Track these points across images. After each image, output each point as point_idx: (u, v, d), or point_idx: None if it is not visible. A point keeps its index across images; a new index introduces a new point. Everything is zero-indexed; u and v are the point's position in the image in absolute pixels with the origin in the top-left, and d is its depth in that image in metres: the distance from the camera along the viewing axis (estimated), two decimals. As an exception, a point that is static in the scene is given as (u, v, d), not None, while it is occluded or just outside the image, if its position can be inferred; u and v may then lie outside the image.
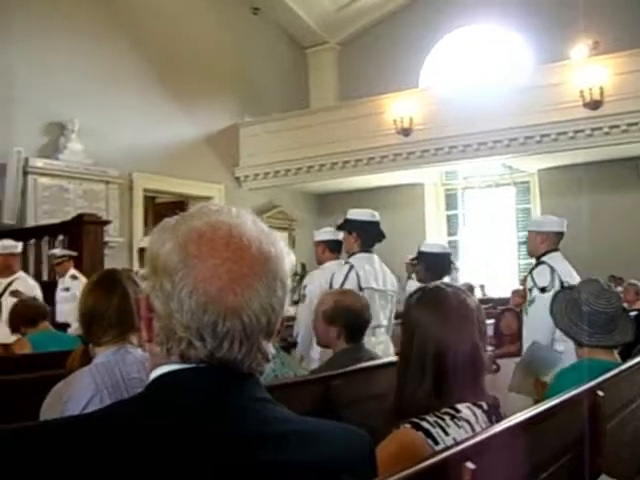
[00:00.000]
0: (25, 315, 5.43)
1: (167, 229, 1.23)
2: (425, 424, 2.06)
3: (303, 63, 18.02)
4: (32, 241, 10.26)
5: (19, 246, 7.82)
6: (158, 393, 1.19)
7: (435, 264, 6.36)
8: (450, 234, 16.35)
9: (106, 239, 10.38)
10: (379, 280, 5.64)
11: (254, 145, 15.46)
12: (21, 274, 7.73)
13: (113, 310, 2.65)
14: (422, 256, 6.56)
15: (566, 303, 3.56)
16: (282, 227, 15.25)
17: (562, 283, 5.59)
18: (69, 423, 1.23)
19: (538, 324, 5.44)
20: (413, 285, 5.93)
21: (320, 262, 6.43)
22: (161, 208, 15.35)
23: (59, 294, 8.41)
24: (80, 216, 10.02)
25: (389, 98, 14.15)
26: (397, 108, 13.82)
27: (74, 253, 8.92)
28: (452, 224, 16.47)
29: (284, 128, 15.14)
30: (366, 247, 5.71)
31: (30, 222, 11.44)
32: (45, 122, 12.27)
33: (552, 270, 5.66)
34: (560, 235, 5.96)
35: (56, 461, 1.10)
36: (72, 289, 8.44)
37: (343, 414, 3.14)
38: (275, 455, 1.14)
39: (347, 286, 5.29)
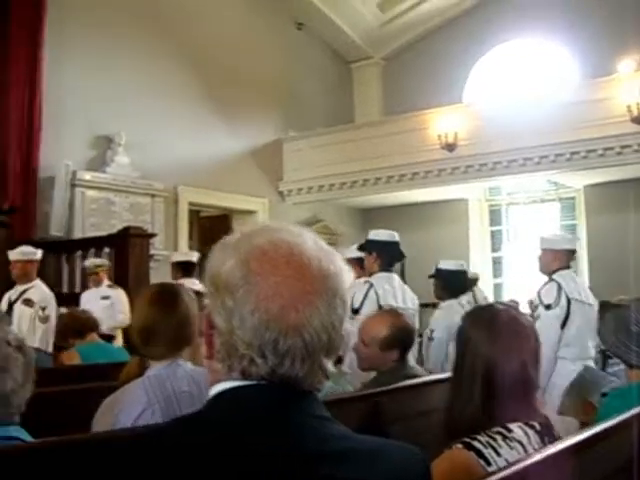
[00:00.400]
0: (73, 327, 5.50)
1: (228, 247, 1.25)
2: (477, 444, 2.05)
3: (347, 78, 18.01)
4: (79, 253, 10.36)
5: (38, 253, 7.66)
6: (219, 409, 1.21)
7: (452, 281, 6.59)
8: (494, 250, 16.19)
9: (151, 252, 10.43)
10: (398, 298, 5.77)
11: (298, 159, 15.48)
12: (37, 282, 7.55)
13: (172, 325, 2.69)
14: (439, 273, 6.76)
15: (614, 322, 3.50)
16: (326, 242, 15.19)
17: (569, 301, 5.72)
18: (133, 438, 1.24)
19: (543, 341, 5.48)
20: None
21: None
22: (205, 222, 15.49)
23: (97, 303, 8.30)
24: (126, 229, 10.10)
25: (433, 113, 14.09)
26: (441, 123, 13.76)
27: (107, 262, 9.04)
28: (496, 240, 16.28)
29: (328, 143, 15.15)
30: (386, 267, 5.90)
31: (77, 234, 11.57)
32: (93, 136, 12.43)
33: (559, 288, 5.75)
34: (572, 253, 6.08)
35: (125, 475, 1.12)
36: (111, 297, 8.47)
37: (390, 431, 3.14)
38: (333, 472, 1.15)
39: (367, 305, 5.48)
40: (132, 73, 12.78)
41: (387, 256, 5.92)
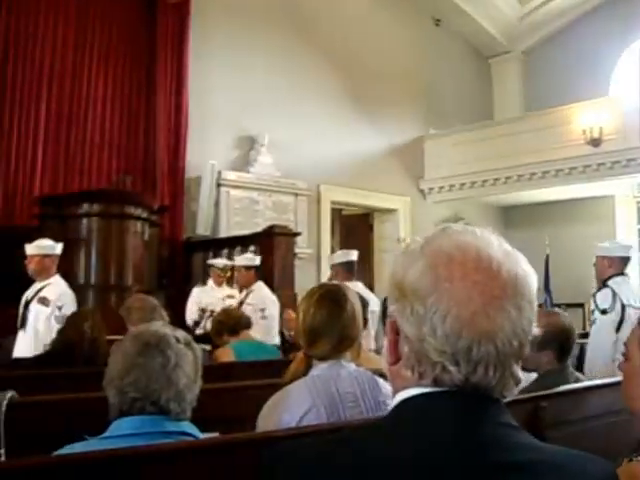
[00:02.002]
0: (228, 324, 5.62)
1: (412, 253, 1.23)
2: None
3: (486, 73, 17.74)
4: (225, 251, 10.58)
5: (57, 247, 6.77)
6: (405, 417, 1.20)
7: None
8: (642, 248, 15.62)
9: (295, 250, 10.58)
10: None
11: (439, 157, 15.37)
12: (55, 279, 6.64)
13: (339, 326, 2.71)
14: None
15: None
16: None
17: (623, 306, 5.99)
18: (319, 445, 1.26)
19: (599, 344, 5.92)
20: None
21: None
22: (347, 220, 15.56)
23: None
24: (271, 227, 10.28)
25: (577, 107, 13.67)
26: (586, 118, 13.34)
27: (229, 263, 9.08)
28: (644, 238, 15.69)
29: (469, 140, 14.97)
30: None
31: (222, 233, 11.88)
32: (237, 136, 12.72)
33: (614, 294, 6.01)
34: (626, 260, 6.36)
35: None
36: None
37: (549, 436, 3.08)
38: None
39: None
40: (273, 73, 13.01)
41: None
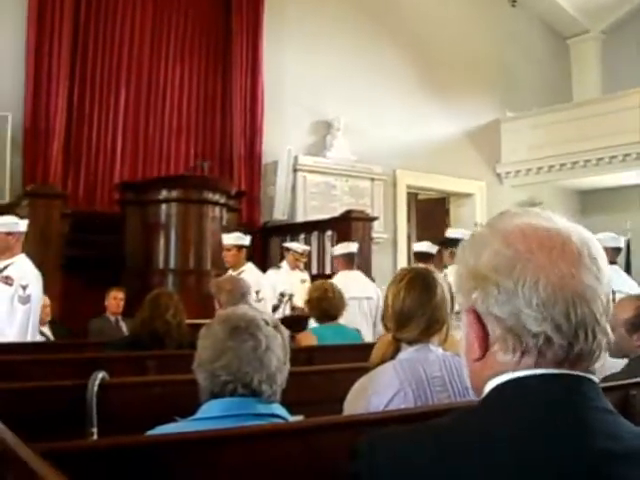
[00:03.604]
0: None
1: (480, 239, 1.25)
2: None
3: (564, 54, 17.35)
4: (302, 236, 10.67)
5: (21, 224, 6.19)
6: (501, 404, 1.18)
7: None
8: None
9: (372, 235, 10.57)
10: None
11: (516, 141, 15.14)
12: (20, 257, 6.10)
13: (430, 310, 2.70)
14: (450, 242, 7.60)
15: None
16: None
17: (613, 292, 5.78)
18: (411, 432, 1.25)
19: None
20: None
21: None
22: (423, 205, 15.53)
23: (298, 285, 8.40)
24: (348, 212, 10.28)
25: (659, 88, 13.36)
26: (669, 99, 13.03)
27: (307, 248, 9.15)
28: None
29: (546, 123, 14.71)
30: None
31: (299, 218, 11.98)
32: (313, 121, 12.78)
33: None
34: (618, 250, 6.70)
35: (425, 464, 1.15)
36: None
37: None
38: (627, 473, 1.10)
39: None
40: (348, 58, 13.00)
41: None
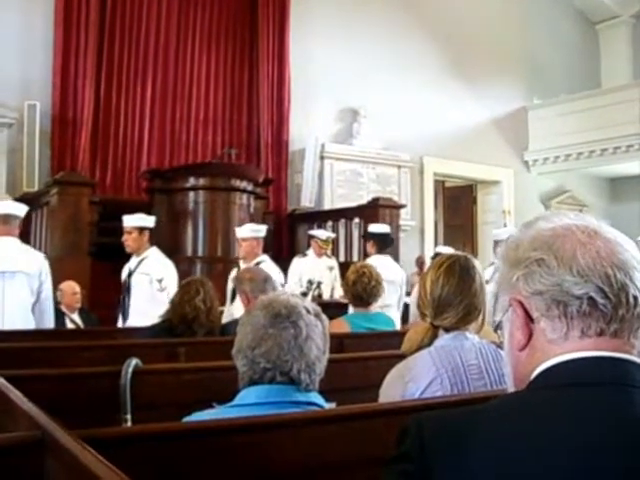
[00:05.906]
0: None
1: (514, 239, 1.26)
2: None
3: (593, 40, 17.16)
4: (329, 223, 10.68)
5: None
6: (546, 390, 1.16)
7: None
8: None
9: (399, 222, 10.55)
10: None
11: (543, 128, 15.03)
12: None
13: (469, 297, 2.67)
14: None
15: None
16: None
17: None
18: (474, 412, 1.23)
19: None
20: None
21: None
22: (450, 192, 15.50)
23: (325, 272, 8.54)
24: (376, 200, 10.29)
25: (691, 74, 13.21)
26: (701, 84, 12.87)
27: (331, 235, 9.08)
28: None
29: (575, 109, 14.58)
30: None
31: (326, 205, 11.98)
32: (339, 108, 12.77)
33: None
34: None
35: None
36: (335, 268, 8.66)
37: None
38: None
39: None
40: (374, 45, 12.96)
41: None
